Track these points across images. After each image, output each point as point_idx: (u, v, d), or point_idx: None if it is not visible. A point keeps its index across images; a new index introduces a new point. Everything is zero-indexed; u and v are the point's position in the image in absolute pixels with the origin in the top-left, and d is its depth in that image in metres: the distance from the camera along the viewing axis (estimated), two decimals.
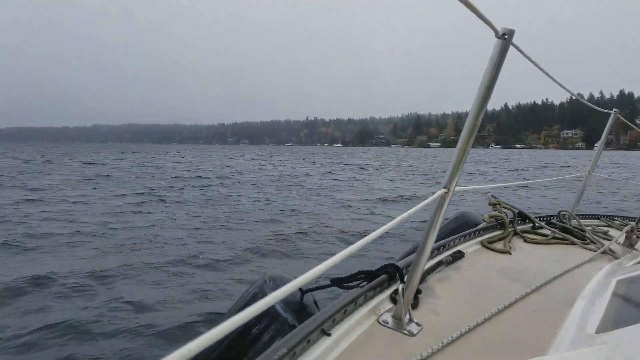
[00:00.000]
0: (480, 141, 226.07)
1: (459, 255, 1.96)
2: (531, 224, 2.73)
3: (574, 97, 2.38)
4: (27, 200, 12.53)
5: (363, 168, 34.48)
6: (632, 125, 3.96)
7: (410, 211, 1.14)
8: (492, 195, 2.58)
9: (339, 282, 1.48)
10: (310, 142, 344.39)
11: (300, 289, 1.62)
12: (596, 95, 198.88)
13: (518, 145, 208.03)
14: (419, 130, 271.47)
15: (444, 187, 1.27)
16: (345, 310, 1.28)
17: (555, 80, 1.78)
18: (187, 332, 4.01)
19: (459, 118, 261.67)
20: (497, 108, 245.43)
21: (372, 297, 1.44)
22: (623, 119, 3.33)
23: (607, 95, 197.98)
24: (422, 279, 1.65)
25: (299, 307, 1.61)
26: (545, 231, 2.66)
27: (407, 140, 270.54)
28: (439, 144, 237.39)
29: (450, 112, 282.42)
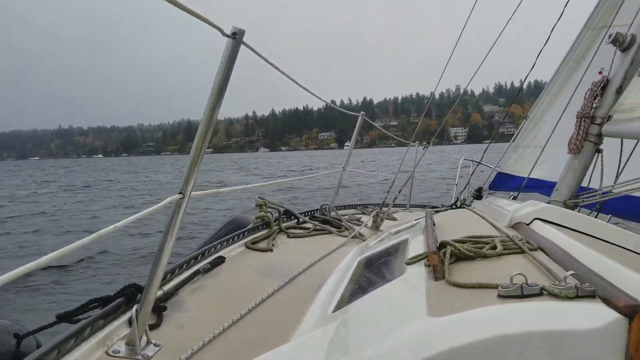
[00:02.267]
0: (251, 145, 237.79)
1: (219, 261, 1.96)
2: (296, 220, 2.93)
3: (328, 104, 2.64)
4: None
5: None
6: (374, 125, 4.70)
7: (132, 217, 1.07)
8: (259, 197, 2.67)
9: (66, 317, 1.29)
10: (64, 155, 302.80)
11: (16, 335, 1.38)
12: (345, 101, 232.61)
13: (284, 148, 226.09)
14: (190, 137, 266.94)
15: (179, 193, 1.22)
16: (59, 351, 1.12)
17: (293, 80, 1.92)
18: None
19: (230, 124, 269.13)
20: (266, 114, 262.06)
21: (104, 326, 1.30)
22: (367, 119, 3.89)
23: (354, 102, 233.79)
24: (173, 293, 1.60)
25: (13, 357, 1.36)
26: (309, 225, 2.89)
27: (178, 147, 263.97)
28: (211, 150, 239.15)
29: (223, 119, 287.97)
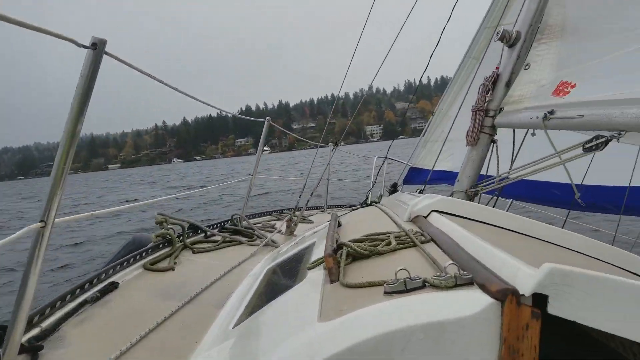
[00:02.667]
0: (163, 157, 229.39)
1: (110, 288, 1.84)
2: (204, 234, 2.83)
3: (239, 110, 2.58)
4: None
5: None
6: (281, 129, 4.70)
7: None
8: (159, 213, 2.54)
9: None
10: None
11: None
12: (261, 106, 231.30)
13: (199, 157, 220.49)
14: (94, 153, 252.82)
15: (40, 221, 1.13)
16: None
17: (176, 89, 1.84)
18: None
19: (138, 136, 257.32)
20: (177, 123, 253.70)
21: None
22: (274, 124, 3.88)
23: (270, 106, 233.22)
24: (53, 329, 1.48)
25: None
26: (218, 237, 2.79)
27: (81, 164, 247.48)
28: (118, 165, 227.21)
29: (130, 130, 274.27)
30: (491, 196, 3.52)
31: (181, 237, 2.52)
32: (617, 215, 4.65)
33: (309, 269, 1.44)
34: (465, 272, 0.95)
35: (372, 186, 4.16)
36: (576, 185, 4.31)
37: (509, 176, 3.04)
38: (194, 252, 2.46)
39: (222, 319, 1.54)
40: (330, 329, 0.89)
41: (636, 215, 4.85)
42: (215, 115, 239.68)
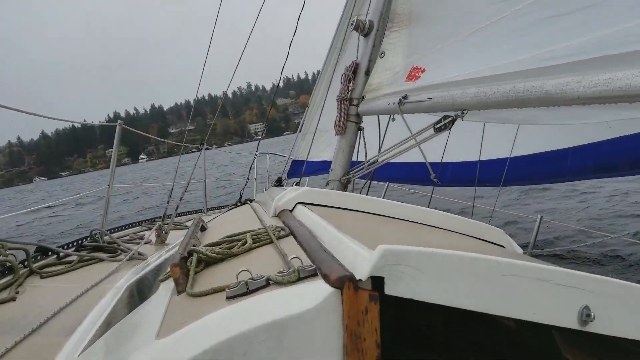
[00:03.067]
0: (22, 177, 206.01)
1: None
2: (56, 255, 2.56)
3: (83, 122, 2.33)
4: None
5: None
6: (138, 132, 4.45)
7: None
8: None
9: None
10: None
11: None
12: (132, 112, 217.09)
13: (65, 173, 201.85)
14: None
15: None
16: None
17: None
18: None
19: None
20: (35, 137, 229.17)
21: None
22: (128, 127, 3.65)
23: (141, 111, 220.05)
24: None
25: None
26: (73, 257, 2.54)
27: None
28: None
29: None
30: (365, 180, 3.68)
31: (26, 263, 2.24)
32: (497, 188, 5.17)
33: (161, 281, 1.36)
34: (309, 264, 0.95)
35: (246, 184, 4.12)
36: (438, 163, 4.71)
37: (377, 160, 3.20)
38: (42, 277, 2.20)
39: (70, 346, 1.37)
40: (165, 346, 0.84)
41: (488, 186, 5.45)
42: (80, 126, 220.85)
